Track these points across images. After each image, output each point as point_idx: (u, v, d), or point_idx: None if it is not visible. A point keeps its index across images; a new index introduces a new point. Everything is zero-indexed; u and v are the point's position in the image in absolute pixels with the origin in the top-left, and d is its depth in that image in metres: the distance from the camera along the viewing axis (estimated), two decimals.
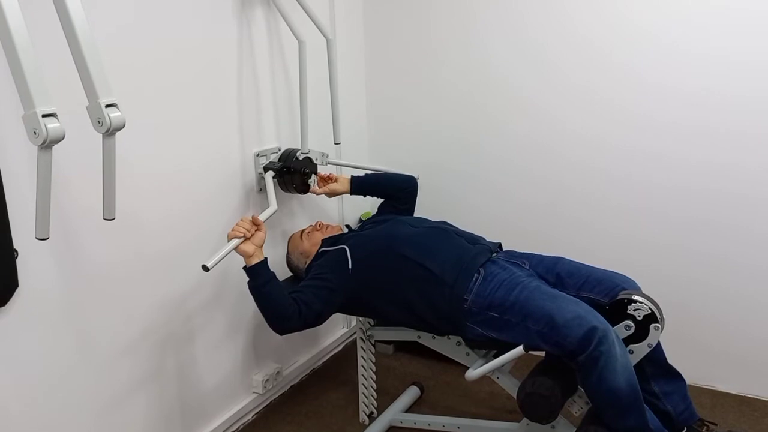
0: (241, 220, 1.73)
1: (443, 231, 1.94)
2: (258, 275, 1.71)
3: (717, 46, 2.01)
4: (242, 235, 1.69)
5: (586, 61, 2.23)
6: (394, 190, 2.24)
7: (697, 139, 2.11)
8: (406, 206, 2.24)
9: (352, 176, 2.23)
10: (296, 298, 1.76)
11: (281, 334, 1.80)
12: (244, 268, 1.72)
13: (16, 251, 1.40)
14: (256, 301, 1.74)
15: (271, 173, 2.09)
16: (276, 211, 1.95)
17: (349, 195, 2.24)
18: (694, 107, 2.09)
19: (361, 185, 2.23)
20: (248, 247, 1.70)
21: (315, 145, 2.21)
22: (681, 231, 2.21)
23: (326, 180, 2.20)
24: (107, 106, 1.15)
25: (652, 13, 2.09)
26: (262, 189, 2.15)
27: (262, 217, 1.84)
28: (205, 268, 1.62)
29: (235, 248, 1.69)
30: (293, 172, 2.11)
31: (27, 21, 1.03)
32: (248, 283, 1.73)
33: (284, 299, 1.73)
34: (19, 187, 1.38)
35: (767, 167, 2.05)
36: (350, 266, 1.84)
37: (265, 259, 1.73)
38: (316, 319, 1.80)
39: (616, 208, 2.31)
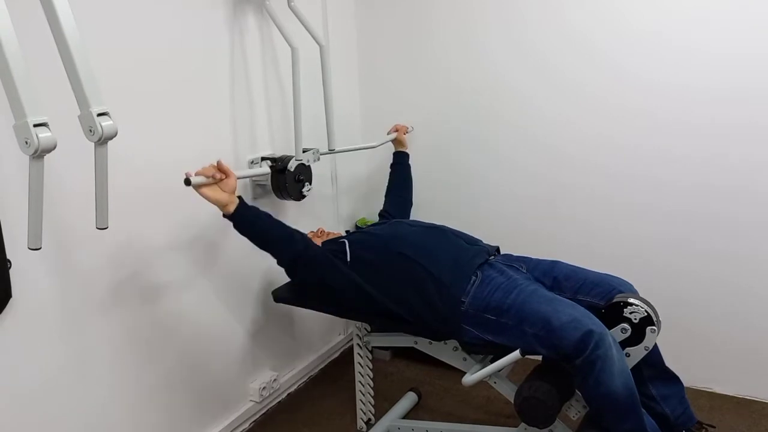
0: (209, 164, 1.61)
1: (441, 231, 1.95)
2: (242, 217, 1.66)
3: (717, 40, 2.02)
4: (208, 176, 1.59)
5: (586, 58, 2.23)
6: (403, 190, 2.42)
7: (698, 135, 2.11)
8: (396, 209, 2.34)
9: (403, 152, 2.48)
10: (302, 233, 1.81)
11: (288, 263, 1.77)
12: (224, 216, 1.66)
13: (9, 261, 1.40)
14: (252, 240, 1.71)
15: (267, 162, 2.10)
16: (267, 174, 1.96)
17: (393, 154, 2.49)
18: (694, 103, 2.09)
19: (402, 158, 2.48)
20: (219, 194, 1.60)
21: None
22: (680, 229, 2.22)
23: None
24: (99, 114, 1.14)
25: (650, 11, 2.10)
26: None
27: (250, 172, 1.85)
28: (187, 182, 1.55)
29: (200, 189, 1.58)
30: (287, 175, 2.09)
31: (17, 29, 1.02)
32: (235, 227, 1.67)
33: (281, 227, 1.73)
34: (12, 197, 1.37)
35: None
36: (348, 258, 1.85)
37: (241, 198, 1.66)
38: (316, 257, 1.78)
39: (615, 205, 2.31)
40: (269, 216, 1.74)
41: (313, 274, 1.81)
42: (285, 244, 1.75)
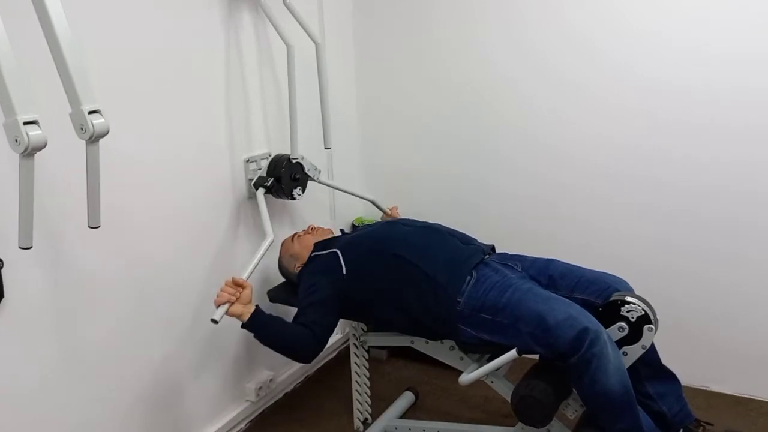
0: (225, 284, 1.67)
1: (436, 231, 1.94)
2: (258, 327, 1.69)
3: (717, 40, 2.01)
4: (228, 301, 1.64)
5: (586, 58, 2.22)
6: None
7: (698, 135, 2.11)
8: None
9: None
10: (304, 323, 1.75)
11: (309, 362, 1.80)
12: (243, 326, 1.68)
13: (1, 261, 1.39)
14: (269, 347, 1.73)
15: (262, 190, 2.07)
16: (272, 241, 1.91)
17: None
18: (694, 103, 2.09)
19: None
20: (237, 309, 1.65)
21: (305, 149, 2.19)
22: (680, 230, 2.21)
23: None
24: (90, 112, 1.14)
25: (650, 11, 2.09)
26: (252, 197, 2.14)
27: (256, 260, 1.83)
28: (214, 322, 1.61)
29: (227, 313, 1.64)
30: (284, 172, 2.08)
31: (7, 27, 1.01)
32: (254, 336, 1.71)
33: (294, 333, 1.73)
34: (2, 195, 1.36)
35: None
36: (344, 270, 1.83)
37: (257, 307, 1.69)
38: (331, 331, 1.79)
39: (615, 205, 2.30)
40: (283, 321, 1.75)
41: (329, 336, 1.82)
42: (302, 350, 1.75)
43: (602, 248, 2.33)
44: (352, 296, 1.82)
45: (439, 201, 2.59)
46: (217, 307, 1.64)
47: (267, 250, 1.88)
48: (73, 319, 1.60)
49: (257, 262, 1.83)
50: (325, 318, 1.77)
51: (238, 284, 1.68)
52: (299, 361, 1.82)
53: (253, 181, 2.10)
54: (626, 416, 1.55)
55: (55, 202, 1.50)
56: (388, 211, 2.48)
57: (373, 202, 2.50)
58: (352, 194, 2.48)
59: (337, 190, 2.58)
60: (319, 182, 2.30)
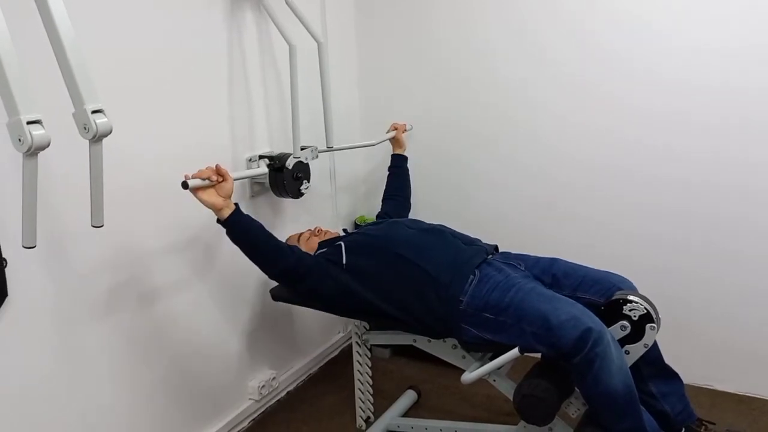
0: (206, 168, 1.61)
1: (439, 232, 1.94)
2: (236, 225, 1.66)
3: (718, 39, 2.01)
4: (207, 178, 1.59)
5: (588, 55, 2.22)
6: (401, 196, 2.39)
7: (700, 134, 2.10)
8: (395, 212, 2.31)
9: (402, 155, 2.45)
10: (293, 247, 1.79)
11: (277, 276, 1.78)
12: (218, 221, 1.65)
13: (5, 260, 1.39)
14: (242, 248, 1.71)
15: (266, 161, 2.09)
16: (265, 173, 1.99)
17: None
18: (696, 103, 2.08)
19: (400, 161, 2.45)
20: (215, 198, 1.61)
21: None
22: (680, 227, 2.21)
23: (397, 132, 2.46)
24: (93, 112, 1.14)
25: (653, 8, 2.09)
26: (254, 195, 2.15)
27: (248, 173, 1.88)
28: (185, 185, 1.56)
29: (196, 193, 1.58)
30: (285, 173, 2.08)
31: (10, 26, 1.02)
32: (227, 235, 1.67)
33: (273, 238, 1.73)
34: (6, 195, 1.36)
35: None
36: (344, 260, 1.83)
37: (237, 206, 1.66)
38: (308, 269, 1.78)
39: (616, 204, 2.30)
40: (262, 227, 1.73)
41: (304, 284, 1.81)
42: (277, 255, 1.75)
43: (603, 247, 2.33)
44: (354, 294, 1.81)
45: (441, 199, 2.59)
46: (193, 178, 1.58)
47: (257, 174, 2.05)
48: (76, 318, 1.60)
49: (246, 175, 2.00)
50: (309, 258, 1.80)
51: (220, 173, 1.62)
52: (267, 268, 1.77)
53: (259, 154, 2.13)
54: (629, 416, 1.55)
55: (59, 202, 1.50)
56: (393, 133, 2.46)
57: (376, 143, 2.46)
58: (354, 147, 2.44)
59: (338, 190, 2.59)
60: (322, 151, 2.27)
